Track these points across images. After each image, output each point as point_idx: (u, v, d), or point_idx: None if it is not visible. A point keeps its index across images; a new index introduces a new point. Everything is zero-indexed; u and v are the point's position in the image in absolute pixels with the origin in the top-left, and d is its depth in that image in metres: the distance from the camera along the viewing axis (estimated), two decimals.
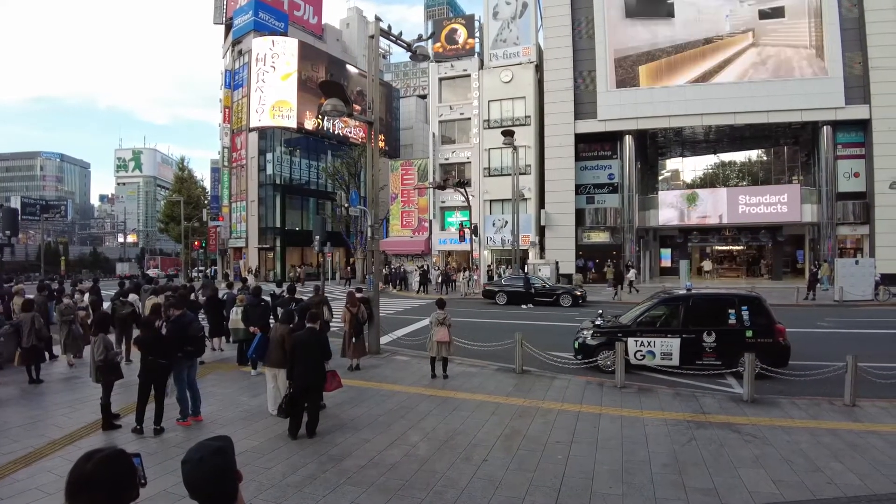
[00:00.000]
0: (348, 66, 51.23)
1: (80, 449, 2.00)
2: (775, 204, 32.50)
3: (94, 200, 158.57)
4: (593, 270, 35.97)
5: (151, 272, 50.85)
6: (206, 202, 59.00)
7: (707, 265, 33.69)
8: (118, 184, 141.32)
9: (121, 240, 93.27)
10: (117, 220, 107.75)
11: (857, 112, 31.11)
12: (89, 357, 7.75)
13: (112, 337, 10.15)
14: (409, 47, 14.01)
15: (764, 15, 32.58)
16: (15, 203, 79.96)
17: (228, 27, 50.74)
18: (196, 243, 51.19)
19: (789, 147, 37.98)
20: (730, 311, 10.74)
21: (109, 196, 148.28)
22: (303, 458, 6.46)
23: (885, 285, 24.33)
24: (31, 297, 12.15)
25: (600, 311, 13.51)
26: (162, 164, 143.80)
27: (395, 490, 5.58)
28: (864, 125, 31.62)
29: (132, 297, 14.41)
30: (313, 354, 7.21)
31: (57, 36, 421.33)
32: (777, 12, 32.37)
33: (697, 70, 33.39)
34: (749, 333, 10.44)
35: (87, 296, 14.64)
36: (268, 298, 12.32)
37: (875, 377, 8.78)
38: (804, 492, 5.48)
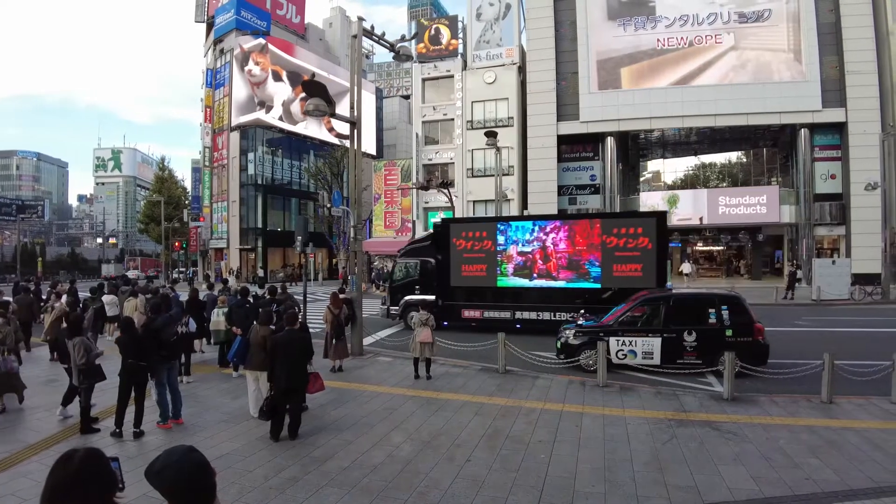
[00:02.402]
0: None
1: (58, 454, 1.96)
2: (754, 205, 32.94)
3: (73, 200, 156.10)
4: None
5: (131, 273, 50.22)
6: (186, 202, 58.35)
7: (686, 268, 33.62)
8: (97, 184, 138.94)
9: (100, 241, 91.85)
10: (96, 221, 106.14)
11: (834, 115, 31.66)
12: (71, 360, 7.56)
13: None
14: (392, 47, 13.97)
15: (744, 19, 33.04)
16: None
17: (210, 25, 50.27)
18: (177, 244, 50.58)
19: (768, 149, 38.55)
20: (710, 310, 10.87)
21: (88, 196, 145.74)
22: (285, 461, 6.42)
23: (860, 285, 24.84)
24: (8, 299, 11.94)
25: (582, 311, 13.59)
26: (142, 164, 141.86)
27: (379, 491, 5.56)
28: (840, 128, 32.20)
29: (109, 297, 14.24)
30: (294, 356, 7.16)
31: (36, 33, 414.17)
32: (757, 16, 32.85)
33: (679, 73, 33.75)
34: (729, 332, 10.57)
35: (64, 297, 14.41)
36: (251, 300, 12.23)
37: (851, 375, 8.94)
38: (783, 488, 5.56)
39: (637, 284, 14.36)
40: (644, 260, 14.87)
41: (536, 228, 16.19)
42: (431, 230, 18.64)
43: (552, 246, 15.83)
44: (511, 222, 16.90)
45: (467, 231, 17.03)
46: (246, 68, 44.43)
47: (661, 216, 15.62)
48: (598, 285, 15.21)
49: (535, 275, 15.96)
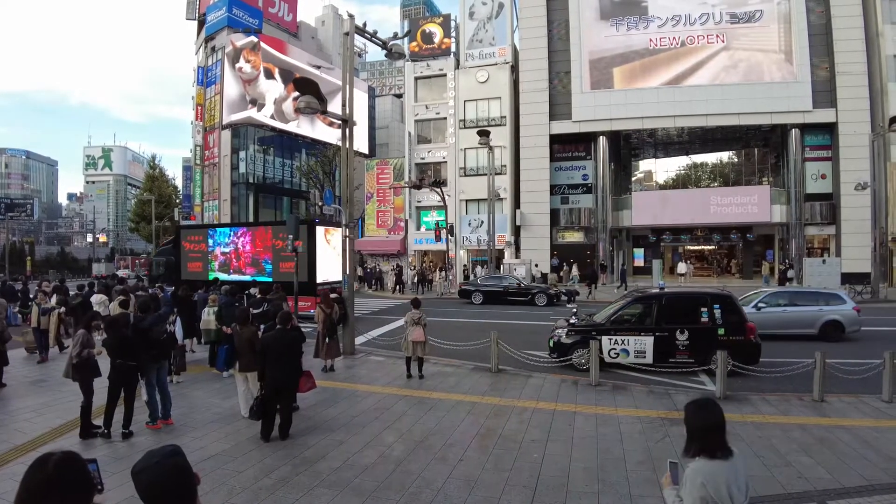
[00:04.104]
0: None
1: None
2: (746, 205, 33.09)
3: (62, 199, 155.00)
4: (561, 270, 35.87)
5: (122, 272, 49.85)
6: (177, 201, 57.98)
7: (682, 268, 33.33)
8: (87, 182, 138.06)
9: (90, 239, 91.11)
10: (86, 220, 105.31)
11: (824, 115, 31.83)
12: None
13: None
14: (384, 45, 13.92)
15: (736, 20, 33.18)
16: None
17: (202, 23, 49.92)
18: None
19: (759, 149, 38.73)
20: (702, 309, 10.86)
21: (78, 195, 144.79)
22: (276, 461, 6.36)
23: (850, 284, 25.03)
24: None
25: (574, 310, 13.58)
26: (133, 163, 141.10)
27: (370, 492, 5.52)
28: (830, 128, 32.38)
29: (99, 297, 14.10)
30: (285, 354, 7.09)
31: (27, 30, 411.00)
32: (748, 17, 32.99)
33: (671, 73, 33.82)
34: (721, 331, 10.57)
35: (54, 297, 14.27)
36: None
37: (842, 373, 8.99)
38: (775, 486, 5.56)
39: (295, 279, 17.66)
40: (299, 259, 17.85)
41: (232, 233, 20.47)
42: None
43: (242, 248, 19.97)
44: (216, 229, 21.44)
45: (191, 235, 21.93)
46: (237, 65, 44.17)
47: (311, 223, 19.26)
48: (271, 279, 18.61)
49: (231, 270, 20.10)
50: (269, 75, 45.73)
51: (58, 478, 1.69)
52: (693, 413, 2.97)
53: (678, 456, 3.24)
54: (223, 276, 19.51)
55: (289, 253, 17.58)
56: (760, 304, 15.09)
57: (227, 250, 20.32)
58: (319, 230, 19.06)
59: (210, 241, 20.95)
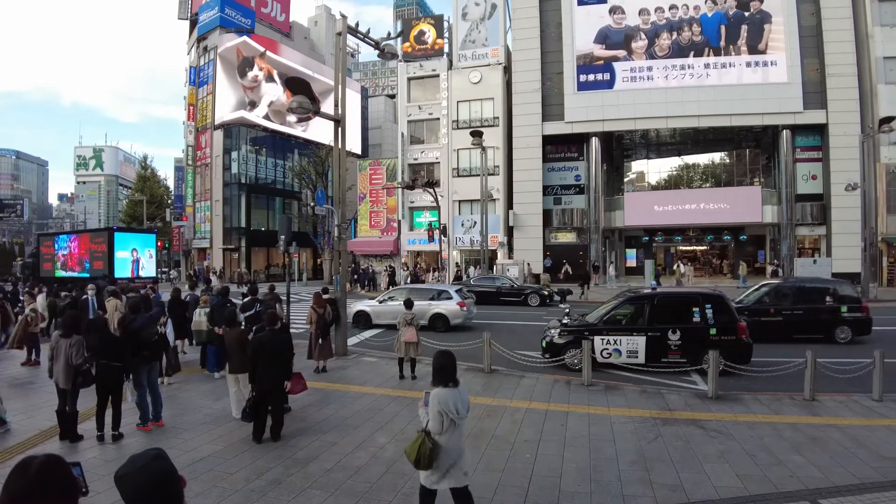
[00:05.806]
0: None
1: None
2: (737, 205, 33.24)
3: (53, 200, 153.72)
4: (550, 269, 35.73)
5: None
6: (169, 202, 57.65)
7: (682, 268, 33.29)
8: (78, 182, 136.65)
9: None
10: (77, 220, 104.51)
11: (815, 117, 32.03)
12: (64, 361, 7.16)
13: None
14: (377, 45, 13.88)
15: (728, 21, 33.32)
16: None
17: (194, 23, 49.66)
18: (159, 244, 49.89)
19: (751, 150, 38.88)
20: (694, 309, 10.91)
21: (69, 195, 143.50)
22: (267, 463, 6.32)
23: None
24: None
25: (567, 310, 13.60)
26: (124, 163, 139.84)
27: (363, 493, 5.49)
28: (821, 129, 32.59)
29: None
30: (275, 355, 7.05)
31: (20, 28, 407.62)
32: (741, 19, 33.13)
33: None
34: (713, 331, 10.62)
35: (40, 297, 14.15)
36: (237, 301, 12.03)
37: (833, 372, 9.04)
38: (767, 485, 5.58)
39: (103, 273, 21.78)
40: (103, 259, 22.85)
41: (68, 239, 25.65)
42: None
43: (73, 251, 24.55)
44: (59, 236, 27.30)
45: (46, 241, 28.09)
46: (251, 73, 43.94)
47: (110, 231, 23.97)
48: (88, 275, 22.31)
49: (69, 269, 24.37)
50: (270, 77, 45.66)
51: (41, 482, 1.66)
52: (437, 358, 4.58)
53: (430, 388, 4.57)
54: (63, 274, 24.67)
55: (98, 254, 23.22)
56: (381, 299, 18.04)
57: (65, 252, 25.35)
58: (118, 236, 23.60)
59: (56, 246, 26.15)
